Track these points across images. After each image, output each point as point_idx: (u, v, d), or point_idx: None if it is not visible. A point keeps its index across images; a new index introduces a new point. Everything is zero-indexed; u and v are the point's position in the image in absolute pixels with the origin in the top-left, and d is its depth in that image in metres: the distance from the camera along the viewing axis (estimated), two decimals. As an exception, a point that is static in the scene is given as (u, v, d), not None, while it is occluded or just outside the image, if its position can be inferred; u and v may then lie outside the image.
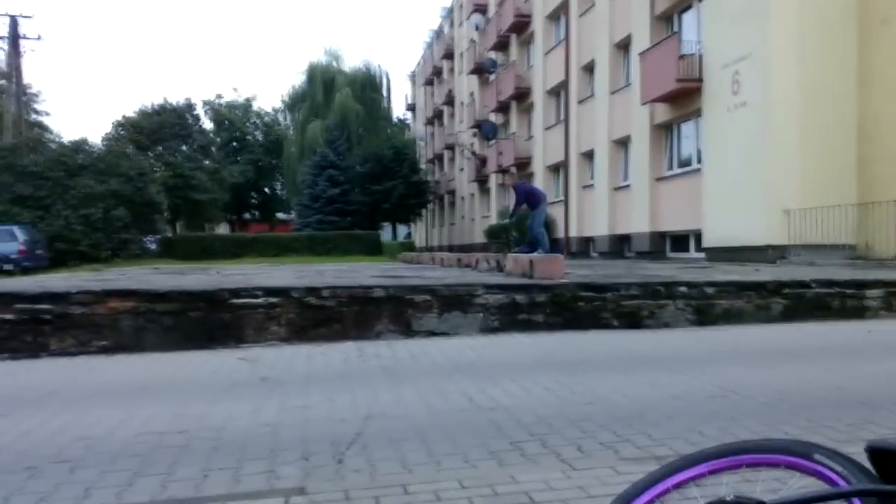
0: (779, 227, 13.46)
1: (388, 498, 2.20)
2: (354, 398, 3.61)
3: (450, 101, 42.30)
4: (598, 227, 21.89)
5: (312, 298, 5.72)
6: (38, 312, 5.09)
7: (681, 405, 3.39)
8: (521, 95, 29.10)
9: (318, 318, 5.68)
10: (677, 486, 1.06)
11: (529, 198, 11.29)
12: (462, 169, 39.35)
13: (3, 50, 31.48)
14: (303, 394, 3.73)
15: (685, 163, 17.86)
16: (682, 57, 16.47)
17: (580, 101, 23.65)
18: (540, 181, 27.35)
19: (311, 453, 2.67)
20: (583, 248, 23.49)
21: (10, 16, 31.07)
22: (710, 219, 15.57)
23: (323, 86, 44.22)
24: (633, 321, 6.32)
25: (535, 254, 10.92)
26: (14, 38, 30.79)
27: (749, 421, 3.07)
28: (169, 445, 2.79)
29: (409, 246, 39.43)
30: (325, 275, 8.85)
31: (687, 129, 17.75)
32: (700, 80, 16.03)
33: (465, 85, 38.43)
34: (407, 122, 56.87)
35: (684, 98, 16.81)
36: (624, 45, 20.68)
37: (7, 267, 17.34)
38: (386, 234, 44.87)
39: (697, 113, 16.56)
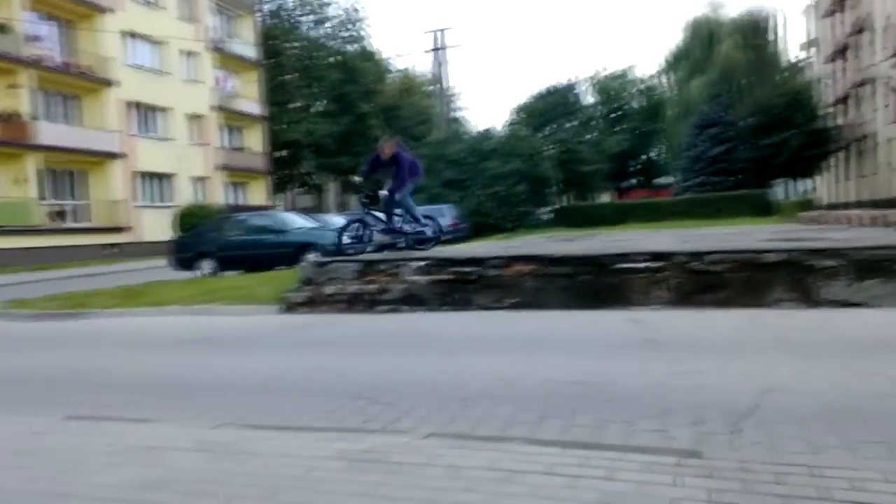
0: None
1: (790, 476, 2.08)
2: (748, 368, 3.44)
3: (859, 29, 35.04)
4: None
5: (696, 263, 5.55)
6: (465, 274, 6.23)
7: None
8: (974, 2, 22.36)
9: (704, 284, 5.49)
10: None
11: (412, 168, 8.24)
12: (878, 108, 32.36)
13: (432, 61, 38.35)
14: (690, 359, 3.70)
15: None
16: None
17: None
18: None
19: (704, 419, 2.66)
20: None
21: (433, 31, 37.60)
22: None
23: (702, 40, 41.75)
24: None
25: (424, 229, 8.43)
26: (437, 49, 37.06)
27: None
28: (568, 393, 3.13)
29: (806, 204, 34.50)
30: (708, 239, 8.45)
31: None
32: None
33: (880, 6, 31.31)
34: (802, 63, 49.27)
35: None
36: None
37: (443, 237, 21.68)
38: (778, 191, 40.18)
39: None
